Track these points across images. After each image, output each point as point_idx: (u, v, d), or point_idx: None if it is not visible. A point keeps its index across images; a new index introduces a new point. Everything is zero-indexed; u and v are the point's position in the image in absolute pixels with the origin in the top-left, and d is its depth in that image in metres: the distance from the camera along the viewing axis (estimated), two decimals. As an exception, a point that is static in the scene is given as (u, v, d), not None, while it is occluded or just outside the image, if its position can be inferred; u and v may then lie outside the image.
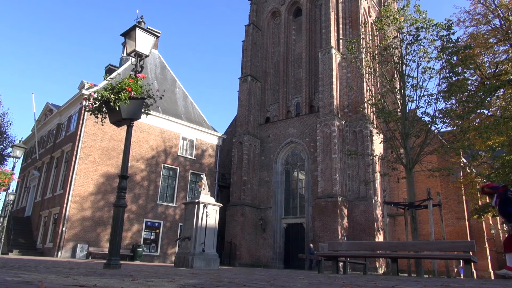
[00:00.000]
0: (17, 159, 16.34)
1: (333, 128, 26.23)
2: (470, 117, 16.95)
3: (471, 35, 18.65)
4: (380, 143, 25.04)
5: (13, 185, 23.90)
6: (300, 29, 33.42)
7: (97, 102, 6.20)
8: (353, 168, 26.42)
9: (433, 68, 16.08)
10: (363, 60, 21.58)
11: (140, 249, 23.14)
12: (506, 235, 7.01)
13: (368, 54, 20.31)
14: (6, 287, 2.13)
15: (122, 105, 5.90)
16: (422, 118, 16.63)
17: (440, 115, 16.18)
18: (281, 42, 34.02)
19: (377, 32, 21.07)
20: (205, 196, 9.84)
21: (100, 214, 22.75)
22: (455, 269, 23.57)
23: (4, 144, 34.55)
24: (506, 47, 18.15)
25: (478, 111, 17.28)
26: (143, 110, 6.39)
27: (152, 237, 25.31)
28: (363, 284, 3.84)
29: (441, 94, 16.05)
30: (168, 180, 27.01)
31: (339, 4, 30.19)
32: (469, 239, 24.99)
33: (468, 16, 18.62)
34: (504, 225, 6.94)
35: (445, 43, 15.88)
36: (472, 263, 7.64)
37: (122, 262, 7.43)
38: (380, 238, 24.39)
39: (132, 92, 5.97)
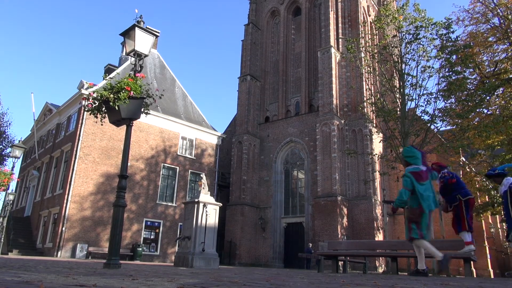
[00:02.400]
0: (16, 159, 16.35)
1: (333, 127, 26.24)
2: (470, 116, 16.96)
3: (471, 34, 18.66)
4: (380, 142, 25.07)
5: (12, 185, 23.90)
6: (300, 29, 33.41)
7: (96, 101, 6.19)
8: (353, 167, 26.44)
9: (433, 67, 16.10)
10: (363, 59, 21.58)
11: (140, 249, 23.14)
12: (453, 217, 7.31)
13: (368, 53, 20.31)
14: (6, 287, 2.13)
15: (122, 104, 5.89)
16: (422, 117, 16.64)
17: (440, 114, 16.20)
18: (281, 42, 34.02)
19: (377, 31, 21.07)
20: (205, 196, 9.84)
21: (100, 213, 22.75)
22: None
23: (4, 144, 34.56)
24: (505, 45, 18.16)
25: (477, 110, 17.30)
26: (142, 110, 6.38)
27: (152, 237, 25.32)
28: (363, 283, 3.84)
29: (441, 93, 16.06)
30: (168, 179, 27.00)
31: (339, 3, 30.18)
32: None
33: (468, 15, 18.65)
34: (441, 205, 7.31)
35: (444, 42, 15.89)
36: (472, 262, 7.65)
37: (122, 262, 7.43)
38: (379, 237, 24.40)
39: (132, 92, 5.96)
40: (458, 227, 7.01)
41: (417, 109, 16.39)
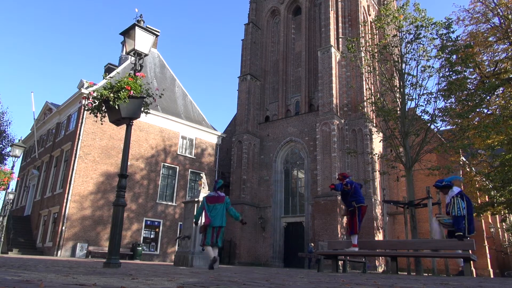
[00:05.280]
0: (16, 158, 16.34)
1: (333, 126, 26.23)
2: (470, 116, 16.93)
3: (471, 33, 18.64)
4: (380, 141, 25.03)
5: (12, 184, 23.90)
6: (300, 28, 33.40)
7: (96, 101, 6.20)
8: (353, 167, 26.43)
9: (433, 67, 16.04)
10: (363, 59, 21.55)
11: (140, 248, 23.14)
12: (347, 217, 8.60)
13: (368, 52, 20.28)
14: (6, 286, 2.13)
15: (122, 104, 5.89)
16: (422, 117, 16.60)
17: (440, 114, 16.15)
18: (281, 41, 34.00)
19: (377, 31, 21.06)
20: (205, 195, 9.83)
21: (100, 213, 22.75)
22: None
23: (4, 143, 34.54)
24: (506, 45, 18.16)
25: (477, 110, 17.27)
26: (142, 109, 6.38)
27: (152, 236, 25.32)
28: (363, 282, 3.84)
29: (441, 93, 16.02)
30: (168, 179, 27.00)
31: (339, 3, 30.17)
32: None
33: (468, 15, 18.63)
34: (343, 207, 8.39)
35: (444, 41, 15.84)
36: (472, 262, 7.64)
37: (122, 261, 7.44)
38: (379, 236, 24.41)
39: (132, 91, 5.96)
40: (351, 230, 8.22)
41: (417, 109, 16.35)
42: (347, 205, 8.31)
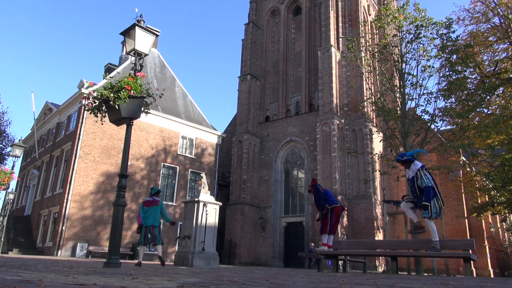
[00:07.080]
0: (16, 158, 16.35)
1: (333, 126, 26.23)
2: (470, 116, 16.96)
3: (471, 33, 18.65)
4: (380, 141, 25.05)
5: (12, 184, 23.89)
6: (300, 28, 33.40)
7: (96, 101, 6.20)
8: (353, 167, 26.43)
9: (433, 67, 16.10)
10: (363, 59, 21.57)
11: (140, 248, 23.12)
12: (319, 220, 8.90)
13: (368, 52, 20.30)
14: (6, 286, 2.13)
15: (122, 104, 5.89)
16: (422, 117, 16.64)
17: (440, 114, 16.18)
18: (281, 41, 34.00)
19: (377, 31, 21.06)
20: (205, 195, 9.85)
21: (100, 213, 22.75)
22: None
23: (4, 143, 34.54)
24: (506, 45, 18.16)
25: (477, 110, 17.29)
26: (142, 109, 6.38)
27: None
28: (363, 282, 3.84)
29: (441, 93, 16.05)
30: (168, 179, 26.99)
31: (339, 3, 30.17)
32: (468, 238, 25.01)
33: (468, 15, 18.63)
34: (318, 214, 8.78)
35: (444, 41, 15.88)
36: (472, 261, 7.65)
37: (122, 261, 7.44)
38: (379, 236, 24.41)
39: (132, 91, 5.96)
40: (322, 229, 8.64)
41: (417, 109, 16.39)
42: (320, 209, 8.64)
